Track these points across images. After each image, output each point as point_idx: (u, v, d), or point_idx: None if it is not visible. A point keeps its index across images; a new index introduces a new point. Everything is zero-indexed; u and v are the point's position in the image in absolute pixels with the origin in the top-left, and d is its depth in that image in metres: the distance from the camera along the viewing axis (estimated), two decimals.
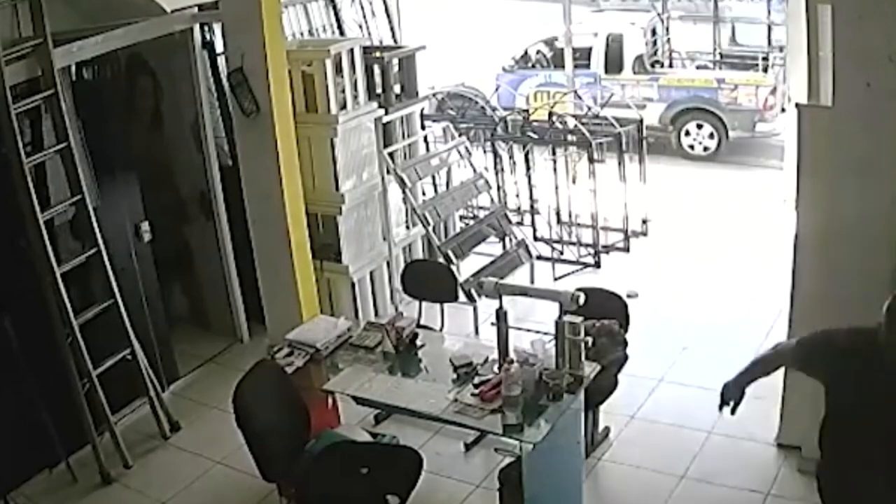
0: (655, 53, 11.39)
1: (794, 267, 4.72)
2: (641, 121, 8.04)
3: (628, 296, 5.68)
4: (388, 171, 6.60)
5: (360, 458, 4.50)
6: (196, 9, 6.12)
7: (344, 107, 6.16)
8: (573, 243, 7.70)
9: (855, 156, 4.25)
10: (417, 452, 4.42)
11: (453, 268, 6.53)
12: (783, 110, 9.89)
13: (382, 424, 5.38)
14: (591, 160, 7.38)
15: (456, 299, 6.04)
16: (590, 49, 11.04)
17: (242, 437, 4.20)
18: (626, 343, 4.92)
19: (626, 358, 4.94)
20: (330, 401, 5.04)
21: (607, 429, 5.27)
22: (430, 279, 5.98)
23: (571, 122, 7.77)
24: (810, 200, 4.58)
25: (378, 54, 6.73)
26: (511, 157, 8.13)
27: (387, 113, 6.59)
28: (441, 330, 5.70)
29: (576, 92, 10.06)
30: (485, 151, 8.25)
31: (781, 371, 4.91)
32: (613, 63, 10.91)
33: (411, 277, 6.03)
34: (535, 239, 7.85)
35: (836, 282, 4.48)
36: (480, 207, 7.92)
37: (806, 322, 4.73)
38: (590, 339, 4.40)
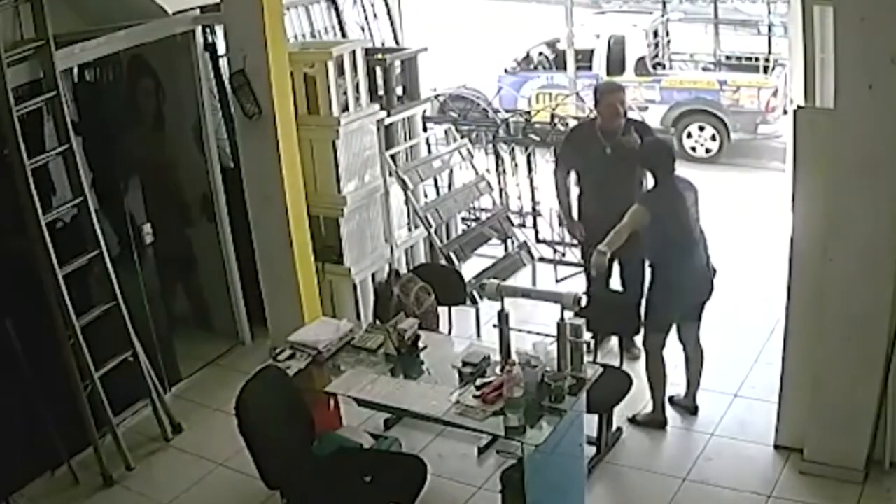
0: (657, 55, 11.39)
1: (790, 268, 4.73)
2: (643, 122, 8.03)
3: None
4: (390, 173, 6.60)
5: (364, 465, 4.50)
6: (198, 11, 6.13)
7: (346, 109, 6.16)
8: (575, 245, 7.69)
9: (857, 158, 4.25)
10: (422, 461, 4.40)
11: (461, 269, 6.55)
12: (785, 112, 9.89)
13: (393, 429, 5.36)
14: None
15: (463, 302, 6.04)
16: (592, 51, 11.05)
17: (245, 446, 4.19)
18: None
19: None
20: (332, 402, 5.05)
21: (620, 429, 5.29)
22: (438, 281, 5.97)
23: (573, 124, 7.76)
24: (809, 202, 4.58)
25: (380, 56, 6.72)
26: (513, 158, 8.12)
27: (389, 115, 6.59)
28: (449, 333, 5.70)
29: (578, 94, 10.06)
30: (486, 153, 8.24)
31: (778, 372, 4.95)
32: (615, 65, 10.92)
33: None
34: (537, 241, 7.84)
35: (836, 284, 4.48)
36: (482, 209, 7.92)
37: (804, 322, 4.75)
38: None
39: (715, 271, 5.16)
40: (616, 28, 11.22)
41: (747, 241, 7.64)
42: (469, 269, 6.99)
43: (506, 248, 7.43)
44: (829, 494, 4.64)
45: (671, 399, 5.40)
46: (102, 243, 5.28)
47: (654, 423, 5.31)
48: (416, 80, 6.98)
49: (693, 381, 5.37)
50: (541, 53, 11.75)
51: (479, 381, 4.36)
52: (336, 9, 7.46)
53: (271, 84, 5.29)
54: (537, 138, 7.83)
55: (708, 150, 10.50)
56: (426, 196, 7.29)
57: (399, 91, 6.83)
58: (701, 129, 10.51)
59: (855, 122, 4.21)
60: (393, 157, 6.65)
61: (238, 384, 4.34)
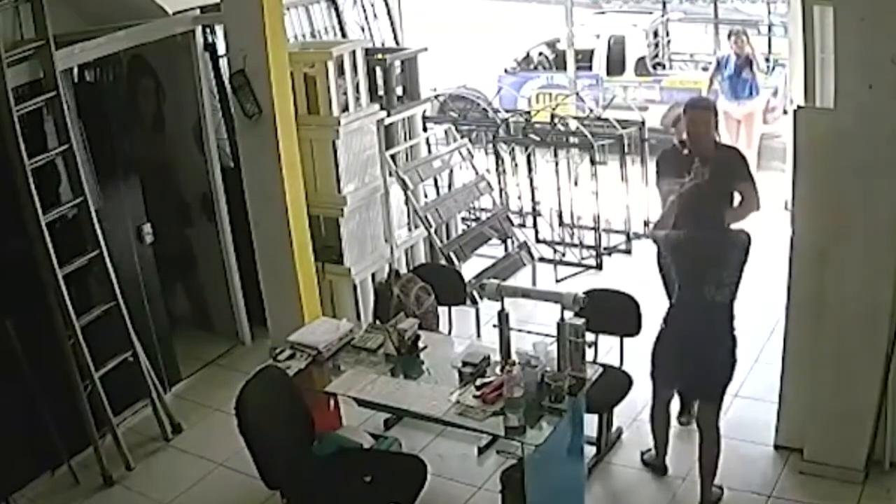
0: (657, 55, 11.39)
1: (790, 268, 4.72)
2: (643, 123, 8.04)
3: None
4: (390, 173, 6.60)
5: (364, 465, 4.50)
6: (198, 11, 6.14)
7: (346, 109, 6.17)
8: (575, 245, 7.71)
9: (857, 158, 4.25)
10: (422, 461, 4.41)
11: (461, 269, 6.55)
12: (785, 112, 9.88)
13: (393, 429, 5.37)
14: (592, 162, 7.38)
15: (463, 302, 6.05)
16: (592, 51, 11.05)
17: (246, 447, 4.19)
18: None
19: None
20: (332, 402, 5.05)
21: (619, 430, 5.28)
22: (438, 281, 5.98)
23: (573, 124, 7.77)
24: (809, 203, 4.57)
25: (380, 56, 6.73)
26: (513, 158, 8.14)
27: (389, 115, 6.59)
28: (449, 333, 5.70)
29: (578, 94, 10.07)
30: (486, 153, 8.26)
31: (778, 372, 4.94)
32: (615, 65, 10.92)
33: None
34: (537, 241, 7.85)
35: (836, 284, 4.49)
36: (482, 209, 7.93)
37: (804, 323, 4.75)
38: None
39: None
40: (616, 28, 11.22)
41: None
42: (469, 269, 6.99)
43: (506, 248, 7.44)
44: (829, 494, 4.64)
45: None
46: (102, 243, 5.29)
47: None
48: (416, 80, 6.98)
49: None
50: (541, 53, 11.74)
51: (479, 381, 4.36)
52: (336, 9, 7.46)
53: (271, 84, 5.29)
54: (537, 138, 7.83)
55: None
56: (426, 196, 7.29)
57: (399, 91, 6.84)
58: None
59: (855, 122, 4.21)
60: (393, 157, 6.65)
61: (238, 384, 4.35)
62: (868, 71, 4.10)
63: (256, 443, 4.16)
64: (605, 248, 7.65)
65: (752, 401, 5.49)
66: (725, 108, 9.29)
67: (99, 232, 5.28)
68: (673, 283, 4.72)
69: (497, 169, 7.92)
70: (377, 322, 5.42)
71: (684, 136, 5.09)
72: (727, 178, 4.90)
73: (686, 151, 4.96)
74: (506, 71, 11.56)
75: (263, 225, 5.70)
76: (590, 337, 4.45)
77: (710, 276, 4.43)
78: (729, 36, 9.65)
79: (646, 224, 7.95)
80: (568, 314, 4.36)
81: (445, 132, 7.62)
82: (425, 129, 7.44)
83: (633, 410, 5.42)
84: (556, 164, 7.64)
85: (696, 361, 4.54)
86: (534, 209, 7.98)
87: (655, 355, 4.71)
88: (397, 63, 6.82)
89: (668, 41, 11.78)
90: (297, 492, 4.32)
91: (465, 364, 4.52)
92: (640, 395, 5.46)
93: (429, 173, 7.12)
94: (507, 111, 9.63)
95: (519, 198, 8.13)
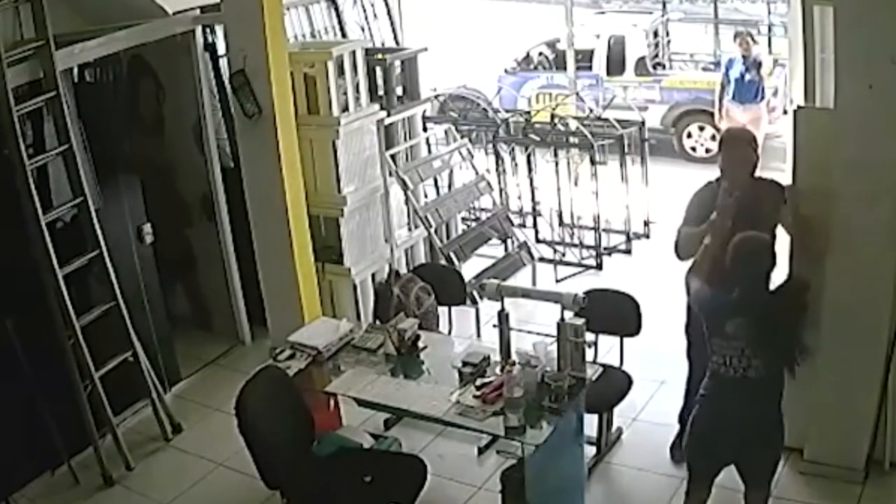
0: (657, 55, 11.40)
1: (790, 268, 4.72)
2: (643, 123, 8.04)
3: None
4: (390, 174, 6.60)
5: (364, 465, 4.50)
6: (198, 11, 6.14)
7: (346, 109, 6.16)
8: (575, 245, 7.71)
9: (857, 158, 4.25)
10: (422, 461, 4.40)
11: (461, 269, 6.55)
12: (785, 112, 9.88)
13: (393, 429, 5.36)
14: (592, 162, 7.38)
15: (463, 302, 6.05)
16: (592, 51, 11.04)
17: (246, 446, 4.20)
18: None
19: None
20: (332, 402, 5.05)
21: (619, 430, 5.28)
22: (438, 281, 5.97)
23: (573, 124, 7.77)
24: (809, 202, 4.57)
25: (380, 56, 6.73)
26: (513, 159, 8.14)
27: (389, 115, 6.59)
28: (450, 333, 5.70)
29: (578, 94, 10.07)
30: (486, 153, 8.26)
31: None
32: (615, 65, 10.92)
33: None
34: (537, 241, 7.85)
35: (835, 284, 4.48)
36: (482, 209, 7.93)
37: None
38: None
39: None
40: (616, 28, 11.21)
41: None
42: (469, 269, 6.99)
43: (506, 248, 7.44)
44: (829, 494, 4.64)
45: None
46: (102, 243, 5.29)
47: None
48: (416, 80, 6.98)
49: None
50: (541, 53, 11.74)
51: (479, 381, 4.36)
52: (336, 9, 7.46)
53: (271, 84, 5.29)
54: (537, 138, 7.83)
55: (708, 150, 10.46)
56: (426, 196, 7.29)
57: (399, 91, 6.84)
58: (701, 129, 10.48)
59: (855, 122, 4.21)
60: (393, 157, 6.65)
61: (238, 384, 4.35)
62: (868, 71, 4.09)
63: (256, 443, 4.16)
64: (605, 248, 7.65)
65: None
66: (731, 113, 9.30)
67: (99, 232, 5.28)
68: (704, 345, 3.97)
69: (497, 169, 7.92)
70: (377, 322, 5.42)
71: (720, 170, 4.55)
72: (768, 214, 4.43)
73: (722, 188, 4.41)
74: (506, 71, 11.56)
75: (263, 225, 5.70)
76: (590, 337, 4.45)
77: (761, 347, 3.76)
78: (735, 37, 9.65)
79: (646, 224, 7.97)
80: (568, 314, 4.36)
81: (445, 132, 7.62)
82: (425, 129, 7.43)
83: (633, 410, 5.42)
84: (556, 164, 7.64)
85: (743, 451, 3.98)
86: (534, 209, 7.99)
87: (694, 444, 4.07)
88: (397, 63, 6.82)
89: (668, 41, 11.78)
90: (297, 492, 4.32)
91: (465, 364, 4.52)
92: (640, 395, 5.47)
93: (429, 173, 7.12)
94: (507, 111, 9.63)
95: (519, 198, 8.14)
